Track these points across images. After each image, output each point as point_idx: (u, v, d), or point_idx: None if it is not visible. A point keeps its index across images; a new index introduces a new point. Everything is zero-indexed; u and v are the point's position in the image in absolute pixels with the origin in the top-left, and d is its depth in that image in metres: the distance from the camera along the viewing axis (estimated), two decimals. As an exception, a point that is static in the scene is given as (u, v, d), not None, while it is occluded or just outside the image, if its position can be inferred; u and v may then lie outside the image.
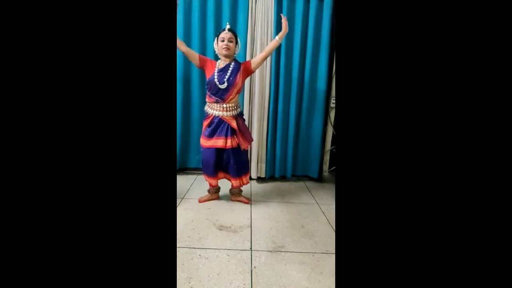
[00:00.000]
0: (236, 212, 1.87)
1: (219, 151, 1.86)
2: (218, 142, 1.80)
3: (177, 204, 1.94)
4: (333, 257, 1.42)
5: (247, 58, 2.29)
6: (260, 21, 2.24)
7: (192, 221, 1.72)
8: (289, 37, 2.30)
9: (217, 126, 1.80)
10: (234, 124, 1.79)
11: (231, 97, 1.78)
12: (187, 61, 2.35)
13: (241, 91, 1.88)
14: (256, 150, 2.42)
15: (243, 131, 1.85)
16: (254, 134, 2.38)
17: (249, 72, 1.83)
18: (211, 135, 1.81)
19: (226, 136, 1.79)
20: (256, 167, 2.45)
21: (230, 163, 1.88)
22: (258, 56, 1.82)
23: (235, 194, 2.02)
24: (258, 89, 2.31)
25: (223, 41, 1.74)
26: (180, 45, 1.78)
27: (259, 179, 2.51)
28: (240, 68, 1.78)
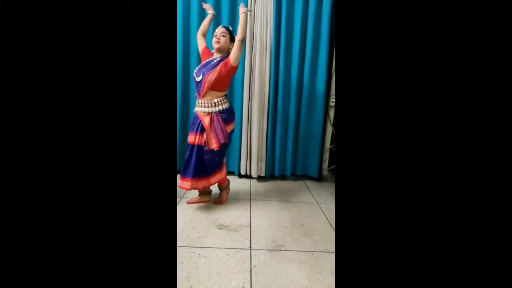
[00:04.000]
0: (236, 211, 1.87)
1: (189, 147, 1.77)
2: (190, 138, 1.77)
3: (177, 204, 1.94)
4: (333, 256, 1.43)
5: (246, 57, 2.29)
6: (259, 19, 2.24)
7: (192, 220, 1.72)
8: (289, 35, 2.30)
9: (193, 122, 1.79)
10: (204, 120, 1.71)
11: (204, 91, 1.71)
12: (186, 61, 2.35)
13: (222, 89, 1.76)
14: (256, 149, 2.41)
15: (215, 130, 1.72)
16: (254, 133, 2.38)
17: (228, 66, 1.70)
18: (190, 131, 1.79)
19: (196, 132, 1.74)
20: (256, 166, 2.45)
21: (190, 161, 1.75)
22: (234, 48, 1.72)
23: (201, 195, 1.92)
24: (257, 88, 2.31)
25: (215, 36, 1.77)
26: (204, 28, 1.90)
27: (259, 178, 2.51)
28: (221, 63, 1.71)
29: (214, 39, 1.76)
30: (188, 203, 1.89)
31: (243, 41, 1.70)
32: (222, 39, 1.74)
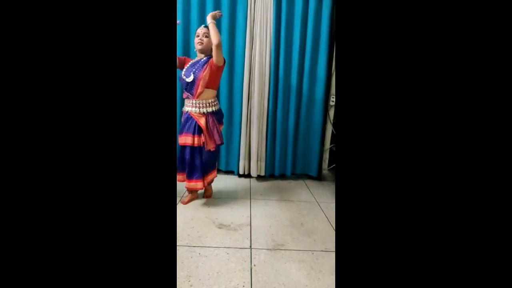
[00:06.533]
0: (236, 210, 1.87)
1: (188, 149, 1.81)
2: (187, 139, 1.78)
3: (177, 203, 1.94)
4: (333, 255, 1.43)
5: (246, 57, 2.29)
6: (259, 20, 2.24)
7: (192, 219, 1.72)
8: (288, 35, 2.29)
9: (185, 122, 1.79)
10: (201, 121, 1.74)
11: (199, 91, 1.72)
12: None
13: (215, 87, 1.81)
14: (256, 149, 2.41)
15: (211, 131, 1.77)
16: (254, 133, 2.38)
17: (213, 67, 1.71)
18: (181, 132, 1.80)
19: (193, 133, 1.76)
20: (256, 166, 2.45)
21: (194, 162, 1.82)
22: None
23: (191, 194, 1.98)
24: (257, 88, 2.31)
25: (198, 36, 1.74)
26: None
27: (259, 177, 2.51)
28: (209, 61, 1.72)
29: (197, 40, 1.73)
30: (184, 203, 1.93)
31: (219, 45, 1.64)
32: (205, 40, 1.72)
